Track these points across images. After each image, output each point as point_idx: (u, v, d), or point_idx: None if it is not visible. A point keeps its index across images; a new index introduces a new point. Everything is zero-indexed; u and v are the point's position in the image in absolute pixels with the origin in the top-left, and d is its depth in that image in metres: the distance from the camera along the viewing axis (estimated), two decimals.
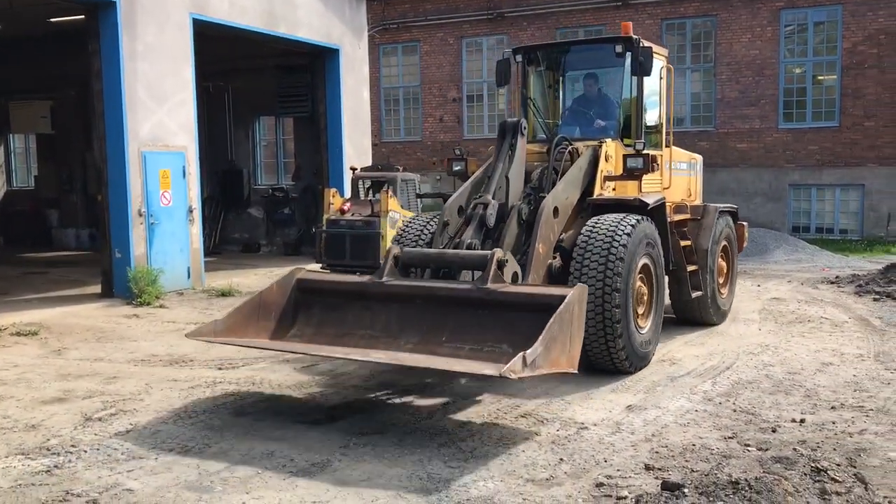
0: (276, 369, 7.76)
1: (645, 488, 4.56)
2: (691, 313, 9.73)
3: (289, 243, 18.23)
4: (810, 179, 22.06)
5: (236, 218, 19.79)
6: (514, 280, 6.65)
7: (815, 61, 22.19)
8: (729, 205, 10.87)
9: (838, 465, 4.41)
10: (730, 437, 5.61)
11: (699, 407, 6.41)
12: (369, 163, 17.19)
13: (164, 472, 5.05)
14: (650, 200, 8.11)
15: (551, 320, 5.55)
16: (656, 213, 8.23)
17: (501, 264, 6.48)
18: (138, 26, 12.22)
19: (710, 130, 22.29)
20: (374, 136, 23.61)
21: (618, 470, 5.00)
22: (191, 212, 13.10)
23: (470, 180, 8.34)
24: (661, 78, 9.38)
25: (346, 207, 13.21)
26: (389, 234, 12.62)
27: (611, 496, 4.57)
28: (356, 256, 12.88)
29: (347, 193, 14.84)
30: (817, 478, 4.05)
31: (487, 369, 5.47)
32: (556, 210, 7.62)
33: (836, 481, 4.04)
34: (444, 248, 7.41)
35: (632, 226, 7.48)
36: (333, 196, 13.28)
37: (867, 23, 21.24)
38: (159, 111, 12.62)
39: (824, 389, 6.93)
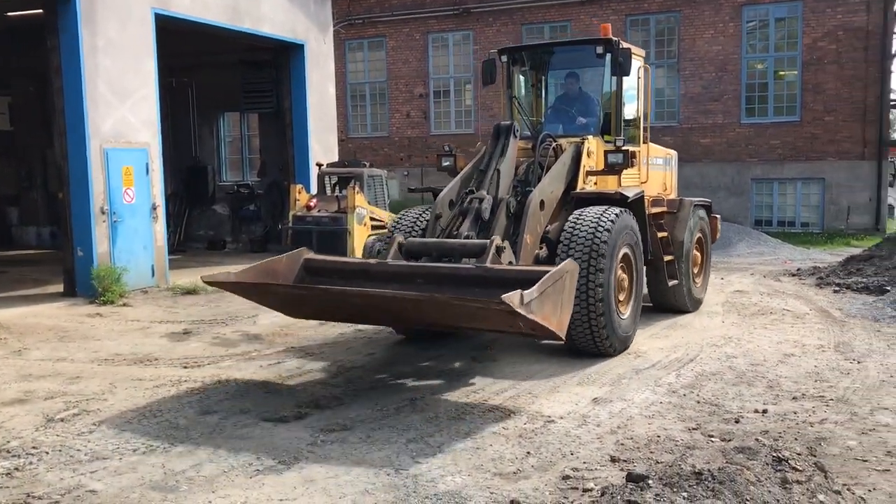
0: (241, 367, 7.70)
1: (611, 480, 4.61)
2: (668, 301, 10.22)
3: (255, 240, 18.08)
4: (772, 174, 22.40)
5: (201, 215, 19.58)
6: (510, 262, 7.15)
7: (776, 57, 22.52)
8: (703, 199, 11.47)
9: (799, 454, 4.49)
10: (694, 429, 5.69)
11: (664, 399, 6.48)
12: (336, 159, 17.12)
13: (129, 472, 4.99)
14: (630, 194, 8.59)
15: (547, 275, 6.02)
16: (635, 205, 8.70)
17: (500, 250, 6.95)
18: (98, 21, 12.03)
19: (674, 125, 22.52)
20: (341, 132, 23.51)
21: (584, 462, 5.04)
22: (154, 209, 12.95)
23: (459, 175, 8.62)
24: (638, 77, 9.76)
25: (312, 204, 13.14)
26: (356, 230, 12.60)
27: (577, 488, 4.61)
28: (322, 252, 12.75)
29: (314, 189, 14.76)
30: (779, 467, 4.12)
31: (489, 301, 5.76)
32: (542, 203, 8.02)
33: (797, 470, 4.11)
34: (438, 238, 7.80)
35: (613, 218, 7.93)
36: (300, 192, 13.20)
37: (826, 19, 21.59)
38: (121, 107, 12.45)
39: (786, 380, 7.05)
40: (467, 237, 7.55)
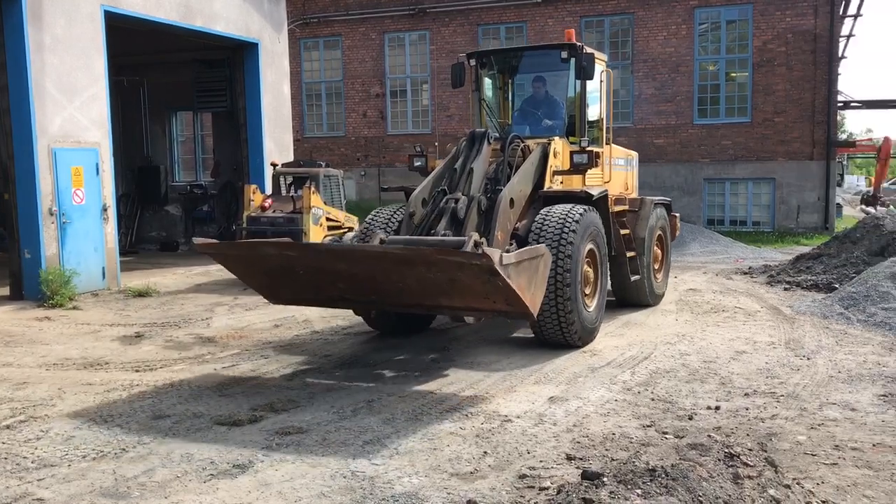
0: (195, 370, 7.59)
1: (567, 478, 4.63)
2: (630, 296, 10.65)
3: None
4: (724, 174, 22.78)
5: (153, 216, 19.27)
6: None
7: (727, 59, 22.91)
8: (663, 198, 12.05)
9: (750, 450, 4.56)
10: (648, 426, 5.75)
11: (619, 397, 6.54)
12: (291, 158, 16.97)
13: (78, 479, 4.88)
14: (595, 192, 9.02)
15: (525, 248, 6.62)
16: (600, 204, 9.19)
17: (478, 244, 7.02)
18: (45, 17, 11.77)
19: (628, 126, 22.76)
20: (296, 132, 23.34)
21: (540, 461, 5.06)
22: (105, 210, 12.70)
23: (431, 175, 8.98)
24: (601, 81, 10.15)
25: (267, 204, 12.99)
26: (312, 230, 12.49)
27: (533, 487, 4.62)
28: None
29: (268, 190, 14.61)
30: (730, 463, 4.19)
31: (466, 248, 6.38)
32: (511, 201, 8.35)
33: (748, 466, 4.18)
34: (412, 235, 8.08)
35: (579, 215, 8.32)
36: (254, 193, 13.04)
37: (775, 22, 22.03)
38: (70, 106, 12.19)
39: (738, 377, 7.16)
40: (444, 235, 7.85)
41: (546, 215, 8.32)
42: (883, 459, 5.08)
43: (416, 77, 26.15)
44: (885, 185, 44.99)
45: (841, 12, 22.86)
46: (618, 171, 10.90)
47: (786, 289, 12.39)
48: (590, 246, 8.59)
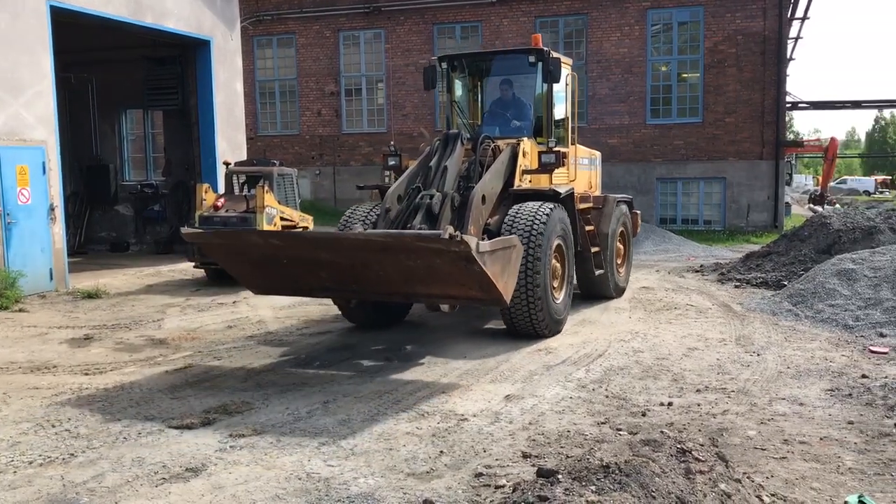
0: (146, 373, 7.46)
1: (522, 476, 4.65)
2: (594, 289, 11.15)
3: (160, 241, 17.54)
4: (676, 173, 23.12)
5: (103, 216, 18.88)
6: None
7: (679, 59, 23.24)
8: (625, 195, 12.60)
9: (702, 445, 4.63)
10: (602, 423, 5.80)
11: (574, 394, 6.59)
12: (244, 157, 16.77)
13: (24, 486, 4.76)
14: (562, 190, 9.47)
15: (498, 238, 7.12)
16: (566, 201, 9.62)
17: (452, 237, 7.34)
18: None
19: (582, 126, 22.94)
20: (250, 130, 23.08)
21: (496, 459, 5.08)
22: (52, 210, 12.41)
23: (406, 173, 9.35)
24: (567, 84, 10.63)
25: (219, 203, 12.81)
26: (266, 230, 12.36)
27: (489, 486, 4.63)
28: None
29: (221, 189, 14.42)
30: (682, 458, 4.24)
31: (444, 236, 6.57)
32: (483, 198, 8.77)
33: (700, 461, 4.24)
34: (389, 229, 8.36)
35: (548, 212, 8.77)
36: (206, 192, 12.85)
37: (726, 23, 22.41)
38: (14, 103, 11.88)
39: (690, 373, 7.27)
40: (420, 229, 8.18)
41: (517, 212, 8.75)
42: (829, 452, 5.20)
43: (371, 76, 26.05)
44: (831, 184, 46.10)
45: (789, 15, 23.37)
46: (582, 171, 11.34)
47: (736, 286, 12.62)
48: (557, 241, 9.06)
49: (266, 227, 12.35)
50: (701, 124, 22.84)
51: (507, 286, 7.12)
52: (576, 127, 11.24)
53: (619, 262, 11.69)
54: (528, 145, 9.78)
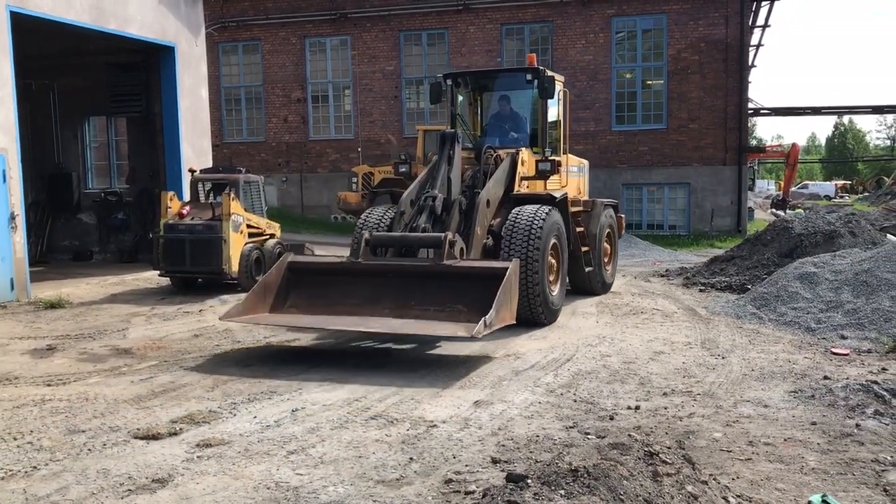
0: (111, 383, 7.35)
1: (492, 482, 4.66)
2: (585, 285, 12.10)
3: (124, 250, 17.31)
4: (641, 179, 23.35)
5: (66, 224, 18.57)
6: (461, 254, 8.82)
7: (643, 67, 23.51)
8: (611, 199, 13.88)
9: (669, 448, 4.68)
10: (571, 427, 5.84)
11: (542, 399, 6.63)
12: (210, 164, 16.62)
13: None
14: (557, 195, 10.57)
15: (499, 291, 7.76)
16: (561, 205, 10.63)
17: (452, 244, 8.62)
18: None
19: None
20: (215, 137, 22.91)
21: (466, 465, 5.08)
22: (13, 219, 12.19)
23: (417, 179, 10.22)
24: (559, 100, 11.75)
25: (185, 211, 12.69)
26: (232, 238, 12.27)
27: (459, 492, 4.64)
28: (197, 263, 12.40)
29: (186, 197, 14.29)
30: (650, 461, 4.29)
31: (461, 331, 7.60)
32: (488, 202, 9.88)
33: (667, 463, 4.28)
34: (402, 232, 9.42)
35: (545, 214, 9.84)
36: (171, 199, 12.72)
37: (689, 31, 22.72)
38: None
39: (657, 377, 7.34)
40: (424, 229, 9.25)
41: (518, 214, 9.82)
42: (793, 453, 5.28)
43: (338, 82, 26.01)
44: (793, 189, 46.90)
45: (750, 23, 23.77)
46: (573, 178, 12.47)
47: (701, 290, 12.77)
48: (553, 240, 10.07)
49: (232, 235, 12.27)
50: (665, 131, 23.12)
51: (512, 312, 8.18)
52: (567, 137, 12.34)
53: (605, 260, 12.68)
54: (526, 154, 10.83)
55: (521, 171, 10.68)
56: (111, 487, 4.80)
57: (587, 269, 11.70)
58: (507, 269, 8.10)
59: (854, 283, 10.15)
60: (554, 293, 10.08)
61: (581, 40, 23.46)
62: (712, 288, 12.84)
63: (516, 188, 10.51)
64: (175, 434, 5.79)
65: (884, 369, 7.56)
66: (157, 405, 6.60)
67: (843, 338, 8.96)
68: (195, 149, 16.56)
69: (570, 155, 12.45)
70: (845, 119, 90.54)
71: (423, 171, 10.34)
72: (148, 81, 16.81)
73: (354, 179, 22.64)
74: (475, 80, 12.35)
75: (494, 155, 10.62)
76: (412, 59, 25.25)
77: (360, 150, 24.73)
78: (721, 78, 22.62)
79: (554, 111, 11.71)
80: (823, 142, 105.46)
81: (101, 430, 5.94)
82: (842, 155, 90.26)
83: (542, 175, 10.98)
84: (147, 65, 16.70)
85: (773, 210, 38.56)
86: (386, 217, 10.08)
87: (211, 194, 13.64)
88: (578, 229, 11.46)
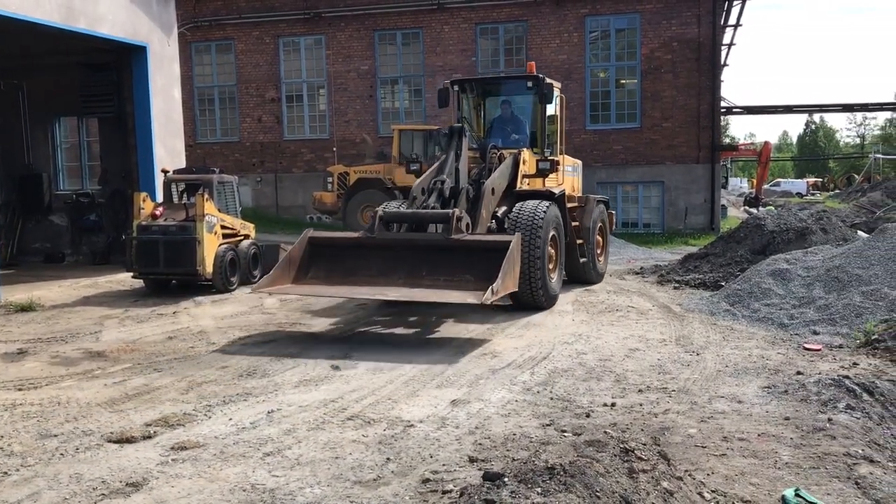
0: (84, 387, 7.27)
1: (469, 480, 4.66)
2: (580, 274, 13.00)
3: (97, 252, 17.11)
4: (616, 177, 23.48)
5: (36, 226, 18.31)
6: (467, 229, 9.82)
7: (617, 66, 23.63)
8: (603, 196, 14.97)
9: (644, 444, 4.71)
10: (547, 425, 5.86)
11: (519, 397, 6.64)
12: (183, 165, 16.47)
13: None
14: (556, 191, 11.65)
15: (505, 260, 8.69)
16: (559, 200, 11.63)
17: (459, 219, 9.66)
18: None
19: None
20: (189, 138, 22.72)
21: (443, 465, 5.08)
22: None
23: (429, 171, 11.16)
24: (556, 105, 12.84)
25: (158, 212, 12.57)
26: (206, 238, 12.17)
27: (436, 491, 4.64)
28: (171, 264, 12.29)
29: (160, 198, 14.16)
30: (626, 458, 4.31)
31: (470, 298, 8.59)
32: (493, 190, 10.84)
33: (643, 460, 4.31)
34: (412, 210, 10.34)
35: (545, 209, 10.80)
36: (144, 200, 12.60)
37: (662, 30, 22.87)
38: None
39: (632, 374, 7.39)
40: (433, 208, 10.18)
41: (521, 208, 10.77)
42: (767, 448, 5.33)
43: (312, 82, 25.91)
44: (765, 186, 47.40)
45: (722, 22, 23.97)
46: (568, 176, 13.43)
47: (675, 288, 12.86)
48: (553, 232, 11.06)
49: (206, 236, 12.17)
50: (639, 129, 23.27)
51: (515, 281, 9.25)
52: (564, 139, 13.49)
53: (598, 251, 13.62)
54: (526, 154, 11.90)
55: (523, 169, 11.70)
56: (84, 492, 4.74)
57: (581, 260, 12.66)
58: (510, 241, 9.10)
59: (826, 280, 10.28)
60: (553, 280, 11.06)
61: (555, 40, 23.54)
62: (686, 285, 12.93)
63: (518, 185, 11.56)
64: (149, 437, 5.74)
65: (855, 364, 7.66)
66: (130, 408, 6.53)
67: (816, 333, 9.07)
68: (168, 149, 16.42)
69: (565, 155, 13.42)
70: (816, 117, 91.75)
71: (434, 166, 11.27)
72: (120, 81, 16.63)
73: (330, 179, 22.55)
74: (480, 85, 13.38)
75: (498, 153, 11.61)
76: (387, 59, 25.20)
77: (335, 149, 24.65)
78: (694, 77, 22.79)
79: (552, 115, 12.81)
80: (795, 140, 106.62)
81: (73, 434, 5.87)
82: (813, 153, 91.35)
83: (541, 173, 11.98)
84: (119, 65, 16.51)
85: (746, 208, 38.93)
86: (401, 208, 10.67)
87: (184, 195, 13.52)
88: (574, 223, 12.40)
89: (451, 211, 9.73)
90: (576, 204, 12.92)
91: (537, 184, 11.95)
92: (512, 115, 12.74)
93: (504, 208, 11.06)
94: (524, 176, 11.75)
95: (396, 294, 9.16)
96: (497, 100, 13.14)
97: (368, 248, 9.86)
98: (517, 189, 11.43)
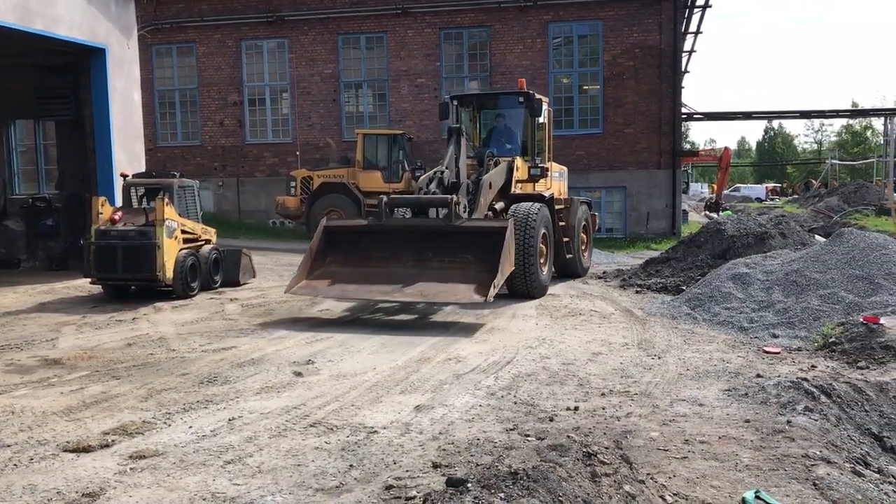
0: (39, 395, 7.10)
1: (433, 487, 4.64)
2: (567, 269, 14.37)
3: (54, 258, 16.78)
4: (579, 182, 23.59)
5: None
6: (465, 211, 11.22)
7: (580, 72, 23.81)
8: (587, 198, 16.96)
9: (607, 448, 4.73)
10: (511, 429, 5.85)
11: (483, 402, 6.64)
12: (143, 169, 16.25)
13: None
14: (546, 194, 13.23)
15: (502, 251, 10.06)
16: (549, 202, 13.14)
17: (457, 204, 10.93)
18: None
19: None
20: (149, 141, 22.41)
21: (407, 471, 5.05)
22: None
23: (434, 169, 12.18)
24: (545, 117, 14.30)
25: (117, 217, 12.37)
26: (166, 244, 12.01)
27: (400, 497, 4.60)
28: (130, 269, 12.09)
29: (119, 202, 13.94)
30: (588, 462, 4.33)
31: (476, 296, 9.80)
32: (490, 184, 12.25)
33: (605, 464, 4.33)
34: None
35: (538, 209, 12.29)
36: (103, 205, 12.38)
37: (624, 37, 23.09)
38: None
39: (595, 377, 7.42)
40: (434, 192, 11.38)
41: (516, 209, 12.22)
42: (728, 451, 5.39)
43: (275, 85, 25.73)
44: (725, 191, 48.09)
45: (683, 29, 24.28)
46: (555, 181, 14.88)
47: (637, 292, 12.98)
48: (543, 230, 12.43)
49: (166, 241, 12.00)
50: (601, 135, 23.46)
51: (511, 263, 10.67)
52: (551, 148, 15.07)
53: (583, 248, 15.11)
54: (519, 162, 13.23)
55: (516, 175, 13.05)
56: (39, 503, 4.63)
57: (568, 256, 13.98)
58: (505, 227, 10.39)
59: (784, 283, 10.44)
60: (543, 273, 12.47)
61: (518, 45, 23.65)
62: (648, 289, 13.05)
63: (513, 188, 12.92)
64: (107, 446, 5.63)
65: (813, 366, 7.79)
66: (87, 417, 6.40)
67: (775, 336, 9.20)
68: (127, 153, 16.18)
69: (553, 162, 14.96)
70: (775, 123, 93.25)
71: (438, 167, 12.38)
72: (77, 84, 16.35)
73: (293, 184, 22.40)
74: (476, 100, 15.12)
75: (494, 159, 12.99)
76: (351, 63, 25.12)
77: (298, 153, 24.49)
78: (655, 83, 23.05)
79: (541, 125, 14.21)
80: (754, 146, 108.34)
81: (27, 443, 5.73)
82: (772, 158, 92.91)
83: (533, 178, 13.44)
84: (77, 67, 16.24)
85: (707, 212, 39.48)
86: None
87: (144, 199, 13.33)
88: (561, 223, 13.85)
89: (450, 196, 10.89)
90: (562, 206, 14.37)
91: (529, 188, 13.43)
92: (505, 127, 14.17)
93: (501, 203, 12.61)
94: (517, 181, 13.10)
95: (408, 294, 10.13)
96: (491, 113, 14.70)
97: (378, 233, 11.11)
98: (511, 192, 12.76)
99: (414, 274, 10.40)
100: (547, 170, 13.89)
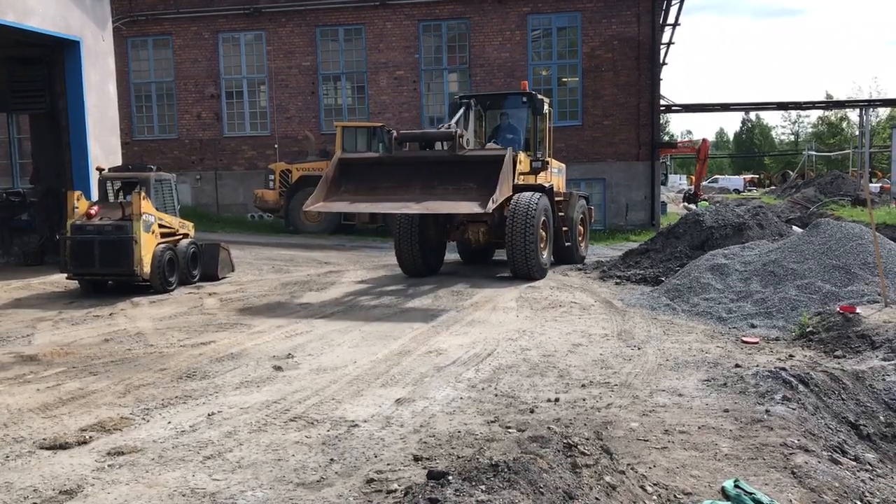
0: (14, 392, 7.02)
1: (414, 479, 4.63)
2: (565, 257, 15.25)
3: (29, 253, 16.57)
4: None
5: None
6: (467, 144, 13.04)
7: (559, 64, 23.82)
8: (583, 192, 18.18)
9: (587, 439, 4.74)
10: (492, 422, 5.86)
11: (464, 394, 6.63)
12: (119, 162, 16.08)
13: None
14: (546, 185, 14.26)
15: (501, 173, 11.63)
16: (549, 193, 14.09)
17: (461, 136, 12.59)
18: None
19: None
20: (125, 135, 22.20)
21: (388, 464, 5.04)
22: None
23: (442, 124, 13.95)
24: (546, 115, 15.40)
25: (93, 211, 12.23)
26: (143, 238, 11.90)
27: (381, 491, 4.60)
28: (107, 264, 11.97)
29: (95, 196, 13.79)
30: (569, 453, 4.33)
31: (477, 207, 11.35)
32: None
33: (586, 455, 4.33)
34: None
35: (539, 198, 13.28)
36: (78, 199, 12.24)
37: (602, 29, 23.12)
38: None
39: (575, 369, 7.45)
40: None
41: (518, 198, 13.10)
42: (707, 440, 5.42)
43: (253, 78, 25.55)
44: (704, 183, 48.39)
45: (661, 21, 24.34)
46: (555, 176, 15.79)
47: (617, 283, 13.03)
48: (543, 218, 13.43)
49: (143, 235, 11.89)
50: (581, 127, 23.50)
51: (509, 187, 12.24)
52: (551, 144, 16.14)
53: (580, 238, 16.03)
54: (521, 156, 14.02)
55: (519, 168, 13.72)
56: (14, 502, 4.58)
57: (566, 245, 14.93)
58: (504, 155, 11.96)
59: (762, 274, 10.52)
60: (543, 257, 13.52)
61: (498, 37, 23.62)
62: (628, 280, 13.11)
63: (516, 180, 13.41)
64: (84, 443, 5.57)
65: (791, 356, 7.85)
66: (65, 413, 6.33)
67: (753, 326, 9.27)
68: (103, 146, 16.01)
69: (552, 159, 15.85)
70: (752, 115, 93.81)
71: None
72: (51, 77, 16.15)
73: (272, 177, 22.27)
74: (482, 99, 16.02)
75: None
76: (329, 55, 24.98)
77: (276, 146, 24.35)
78: (634, 75, 23.11)
79: (542, 124, 15.25)
80: (732, 137, 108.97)
81: (3, 441, 5.66)
82: (749, 150, 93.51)
83: (534, 171, 14.37)
84: (50, 59, 16.04)
85: (685, 204, 39.70)
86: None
87: (120, 193, 13.19)
88: (560, 214, 14.78)
89: (454, 129, 12.45)
90: (561, 198, 15.32)
91: (531, 180, 14.27)
92: (509, 125, 15.24)
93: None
94: (520, 174, 13.81)
95: (416, 208, 11.66)
96: (496, 112, 15.75)
97: (388, 165, 12.49)
98: (515, 184, 13.26)
99: (421, 199, 11.77)
100: (547, 163, 14.90)
